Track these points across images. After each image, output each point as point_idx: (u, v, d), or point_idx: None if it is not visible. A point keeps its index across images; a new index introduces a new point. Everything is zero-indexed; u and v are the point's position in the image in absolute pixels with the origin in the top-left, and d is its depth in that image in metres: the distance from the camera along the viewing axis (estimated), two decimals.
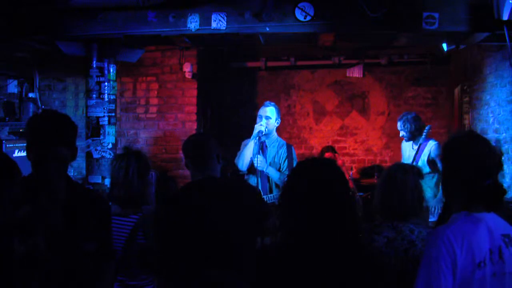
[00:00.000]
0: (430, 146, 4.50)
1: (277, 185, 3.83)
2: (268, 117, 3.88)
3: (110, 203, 2.64)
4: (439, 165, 4.38)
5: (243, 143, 3.99)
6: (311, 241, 1.59)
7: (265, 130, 3.83)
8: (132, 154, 2.66)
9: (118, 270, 2.45)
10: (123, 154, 2.67)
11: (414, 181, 2.31)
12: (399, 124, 4.65)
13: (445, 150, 1.84)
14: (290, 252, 1.61)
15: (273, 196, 3.70)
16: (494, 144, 1.83)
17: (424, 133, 4.54)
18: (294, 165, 3.87)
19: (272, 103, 3.99)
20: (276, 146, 3.90)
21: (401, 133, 4.67)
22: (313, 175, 1.68)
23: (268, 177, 3.82)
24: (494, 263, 1.66)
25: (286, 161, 3.84)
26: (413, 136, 4.59)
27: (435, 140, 4.61)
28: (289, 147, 3.93)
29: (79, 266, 1.91)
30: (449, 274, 1.59)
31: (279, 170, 3.83)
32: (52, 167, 1.86)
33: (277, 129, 4.04)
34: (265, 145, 3.90)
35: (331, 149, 6.35)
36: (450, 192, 1.81)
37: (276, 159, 3.86)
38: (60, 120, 1.97)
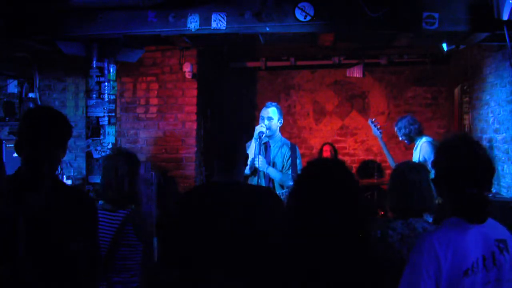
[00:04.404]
0: (421, 145, 4.55)
1: (280, 186, 3.83)
2: (270, 118, 3.89)
3: (101, 202, 2.68)
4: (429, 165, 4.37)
5: (246, 145, 3.99)
6: (320, 240, 1.57)
7: (267, 131, 3.83)
8: (121, 155, 2.70)
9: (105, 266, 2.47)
10: (113, 155, 2.71)
11: (427, 179, 2.34)
12: (396, 130, 4.75)
13: (435, 153, 1.79)
14: (299, 250, 1.59)
15: None
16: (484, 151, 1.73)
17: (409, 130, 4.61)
18: (299, 164, 3.88)
19: (274, 104, 3.99)
20: (279, 146, 3.90)
21: (400, 138, 4.74)
22: (323, 175, 1.65)
23: (270, 178, 3.82)
24: (488, 270, 1.59)
25: (290, 160, 3.84)
26: (412, 139, 4.67)
27: (429, 137, 4.64)
28: (293, 146, 3.93)
29: (65, 266, 1.89)
30: (430, 282, 1.54)
31: (282, 170, 3.84)
32: (44, 166, 1.86)
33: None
34: (268, 145, 3.91)
35: (330, 145, 6.36)
36: (440, 197, 1.77)
37: (279, 159, 3.86)
38: (55, 120, 1.95)
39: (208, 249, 2.11)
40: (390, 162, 4.87)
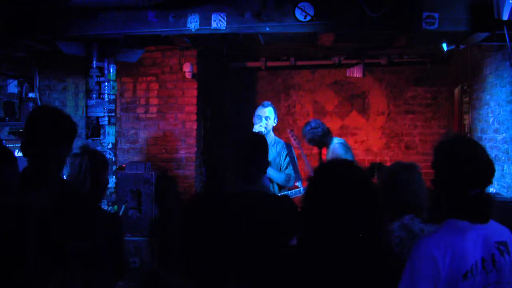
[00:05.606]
0: (333, 146, 4.40)
1: (279, 186, 3.83)
2: (268, 117, 3.90)
3: None
4: None
5: None
6: (332, 243, 1.53)
7: (265, 130, 3.84)
8: (85, 153, 2.65)
9: None
10: (77, 153, 2.67)
11: (418, 178, 2.33)
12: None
13: (433, 154, 1.76)
14: (310, 252, 1.56)
15: None
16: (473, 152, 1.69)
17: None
18: (296, 163, 3.88)
19: (270, 103, 4.01)
20: (274, 146, 3.91)
21: (310, 144, 4.60)
22: (337, 176, 1.61)
23: (269, 178, 3.81)
24: (488, 272, 1.57)
25: (287, 159, 3.85)
26: (321, 144, 4.52)
27: (341, 139, 4.52)
28: (288, 146, 3.94)
29: (67, 265, 1.89)
30: (429, 285, 1.52)
31: (279, 169, 3.84)
32: (52, 165, 1.86)
33: (277, 129, 4.05)
34: None
35: None
36: (438, 198, 1.73)
37: (276, 159, 3.86)
38: (60, 119, 1.96)
39: (223, 256, 2.03)
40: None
